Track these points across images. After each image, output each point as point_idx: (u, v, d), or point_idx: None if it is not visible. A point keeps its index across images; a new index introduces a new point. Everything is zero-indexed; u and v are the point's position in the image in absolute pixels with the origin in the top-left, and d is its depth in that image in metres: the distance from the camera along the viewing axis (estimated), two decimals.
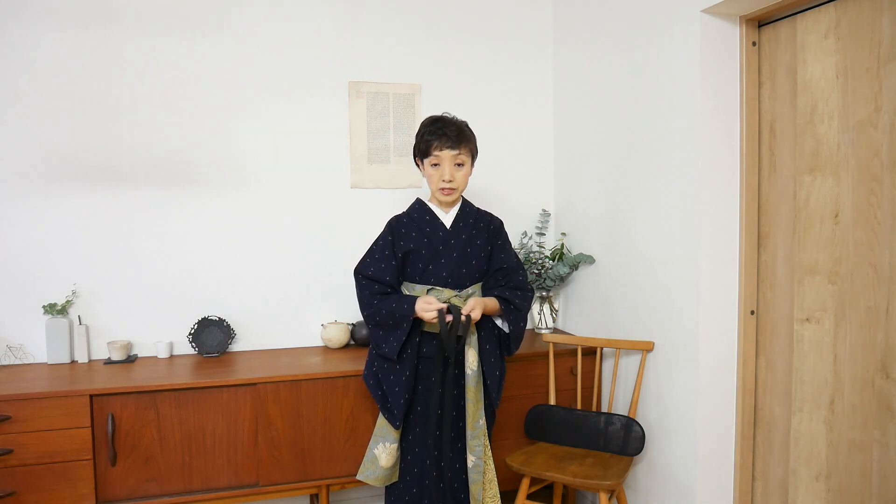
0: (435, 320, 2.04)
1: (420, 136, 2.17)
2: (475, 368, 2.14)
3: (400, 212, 2.30)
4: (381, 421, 2.18)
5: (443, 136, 2.11)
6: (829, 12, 1.92)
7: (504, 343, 2.23)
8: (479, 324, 2.18)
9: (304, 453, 2.41)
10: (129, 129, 2.68)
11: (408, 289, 2.20)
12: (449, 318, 2.05)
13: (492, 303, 2.17)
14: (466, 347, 2.14)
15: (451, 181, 2.14)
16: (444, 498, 2.14)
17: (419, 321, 2.13)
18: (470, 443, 2.13)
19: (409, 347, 2.14)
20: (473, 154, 2.20)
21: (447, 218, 2.22)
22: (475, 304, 2.08)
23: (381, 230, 2.25)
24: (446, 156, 2.12)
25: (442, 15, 3.03)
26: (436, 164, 2.14)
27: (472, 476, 2.13)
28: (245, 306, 2.84)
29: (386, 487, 2.24)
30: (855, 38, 1.85)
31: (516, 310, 2.19)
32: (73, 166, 2.63)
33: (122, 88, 2.66)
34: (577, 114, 2.97)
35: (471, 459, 2.14)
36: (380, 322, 2.13)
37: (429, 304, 2.05)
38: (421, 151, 2.17)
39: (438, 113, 2.26)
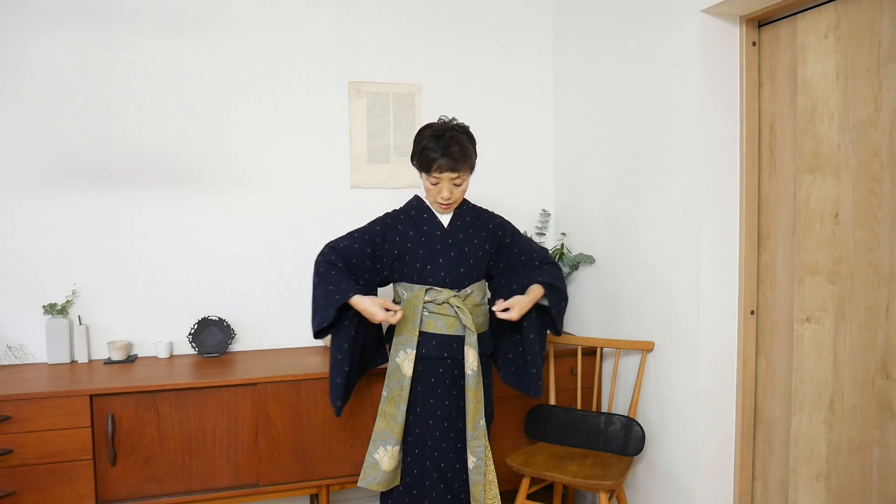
0: (384, 321, 2.02)
1: (421, 147, 2.11)
2: (475, 369, 2.12)
3: (398, 207, 2.28)
4: (380, 424, 2.15)
5: (445, 156, 2.06)
6: (829, 12, 1.92)
7: (549, 324, 2.26)
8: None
9: (304, 453, 2.41)
10: (130, 129, 2.68)
11: (405, 289, 2.18)
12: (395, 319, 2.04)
13: (536, 294, 2.16)
14: (466, 347, 2.13)
15: (449, 198, 2.14)
16: (446, 499, 2.13)
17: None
18: (470, 443, 2.12)
19: (346, 320, 2.09)
20: (472, 167, 2.18)
21: (445, 217, 2.21)
22: (514, 305, 2.08)
23: (373, 219, 2.23)
24: (446, 178, 2.10)
25: (442, 15, 3.03)
26: (435, 183, 2.12)
27: (472, 477, 2.12)
28: (245, 306, 2.84)
29: (382, 491, 2.22)
30: (855, 38, 1.85)
31: (557, 290, 2.21)
32: (73, 166, 2.63)
33: (121, 89, 2.66)
34: (578, 114, 2.97)
35: (471, 460, 2.12)
36: (314, 295, 2.10)
37: (378, 311, 2.01)
38: (420, 164, 2.13)
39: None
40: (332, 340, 2.14)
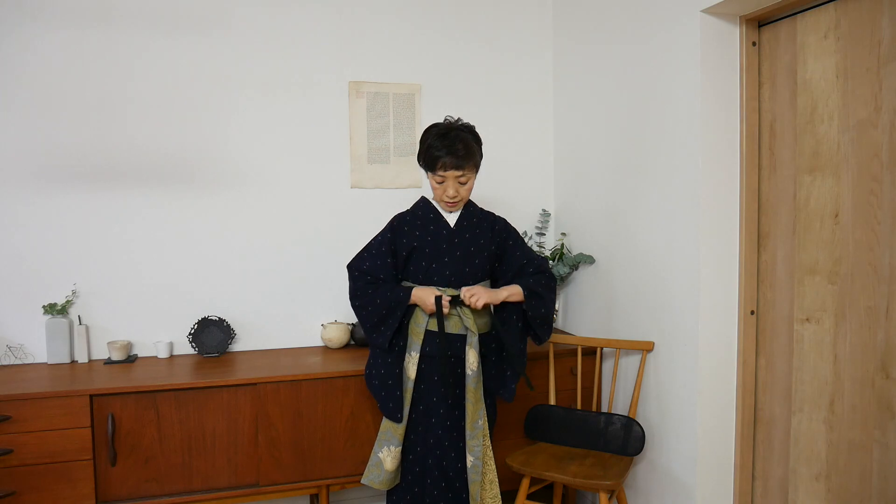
0: (434, 309, 2.09)
1: (426, 146, 2.14)
2: (475, 369, 2.13)
3: (403, 209, 2.30)
4: (386, 424, 2.17)
5: (450, 154, 2.08)
6: (829, 12, 1.92)
7: (531, 331, 2.24)
8: (507, 309, 2.20)
9: (304, 453, 2.41)
10: (130, 128, 2.68)
11: None
12: (446, 307, 2.10)
13: (513, 291, 2.17)
14: (467, 347, 2.14)
15: (455, 196, 2.15)
16: (447, 497, 2.14)
17: (410, 312, 2.17)
18: (469, 443, 2.13)
19: (402, 339, 2.17)
20: (478, 166, 2.19)
21: (451, 217, 2.22)
22: (478, 292, 2.09)
23: (382, 228, 2.26)
24: (451, 175, 2.12)
25: (442, 15, 3.03)
26: (440, 181, 2.14)
27: (470, 476, 2.13)
28: (245, 306, 2.84)
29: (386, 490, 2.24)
30: (855, 38, 1.85)
31: (538, 297, 2.18)
32: (73, 166, 2.63)
33: (122, 89, 2.66)
34: (578, 114, 2.97)
35: (469, 459, 2.13)
36: (372, 311, 2.14)
37: (431, 294, 2.10)
38: (426, 163, 2.15)
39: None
40: (384, 360, 2.18)
